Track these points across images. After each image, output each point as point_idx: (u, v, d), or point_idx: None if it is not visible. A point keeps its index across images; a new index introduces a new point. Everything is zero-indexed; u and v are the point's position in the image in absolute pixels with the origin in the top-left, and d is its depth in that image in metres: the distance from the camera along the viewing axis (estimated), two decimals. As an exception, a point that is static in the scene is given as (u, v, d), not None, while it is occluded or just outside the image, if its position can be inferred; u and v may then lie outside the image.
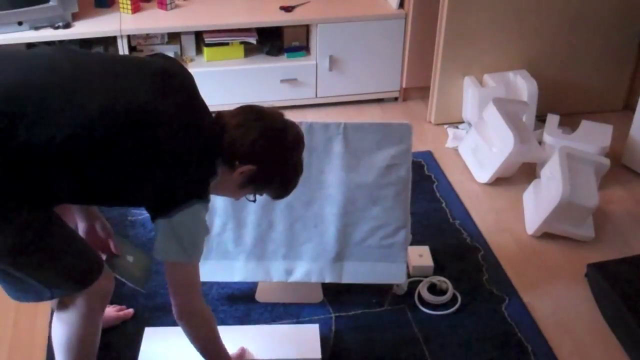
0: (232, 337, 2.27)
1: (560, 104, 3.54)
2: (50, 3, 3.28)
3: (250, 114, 1.79)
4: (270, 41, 3.63)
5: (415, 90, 3.80)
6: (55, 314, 1.87)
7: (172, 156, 1.67)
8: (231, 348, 2.22)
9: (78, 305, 1.81)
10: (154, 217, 1.73)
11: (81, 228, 2.08)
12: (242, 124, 1.76)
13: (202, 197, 1.74)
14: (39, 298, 1.75)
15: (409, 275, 2.53)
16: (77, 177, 1.63)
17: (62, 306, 1.84)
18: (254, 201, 1.92)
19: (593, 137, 3.14)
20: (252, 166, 1.76)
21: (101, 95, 1.62)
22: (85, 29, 3.34)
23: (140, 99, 1.65)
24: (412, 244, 2.50)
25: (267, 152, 1.76)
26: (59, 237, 1.72)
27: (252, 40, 3.56)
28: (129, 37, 3.39)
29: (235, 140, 1.74)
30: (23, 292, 1.74)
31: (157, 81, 1.72)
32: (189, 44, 3.58)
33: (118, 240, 2.14)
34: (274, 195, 1.90)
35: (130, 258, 2.13)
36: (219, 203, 2.35)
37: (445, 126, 3.59)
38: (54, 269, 1.72)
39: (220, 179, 1.79)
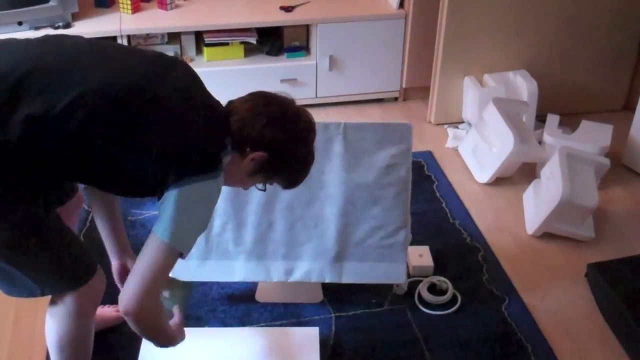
0: (231, 339, 2.27)
1: (560, 104, 3.54)
2: (50, 3, 3.28)
3: (260, 99, 1.76)
4: (270, 41, 3.63)
5: (415, 90, 3.79)
6: (47, 311, 1.87)
7: (177, 127, 1.63)
8: (230, 349, 2.22)
9: (67, 305, 1.80)
10: (161, 194, 1.65)
11: (114, 266, 2.06)
12: (252, 109, 1.73)
13: (213, 172, 1.66)
14: (29, 294, 1.74)
15: (409, 275, 2.53)
16: (78, 147, 1.59)
17: (53, 304, 1.83)
18: (264, 190, 1.86)
19: (593, 137, 3.14)
20: (263, 153, 1.72)
21: (102, 70, 1.62)
22: (85, 29, 3.34)
23: (142, 73, 1.64)
24: (412, 244, 2.50)
25: (278, 139, 1.72)
26: (54, 235, 1.71)
27: (252, 40, 3.56)
28: (129, 37, 3.40)
29: (245, 124, 1.71)
30: (14, 286, 1.73)
31: (159, 62, 1.71)
32: (189, 44, 3.58)
33: None
34: (284, 184, 1.86)
35: (165, 293, 2.09)
36: (219, 203, 2.35)
37: (445, 126, 3.59)
38: (46, 266, 1.71)
39: (230, 166, 1.74)
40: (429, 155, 3.35)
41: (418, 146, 3.31)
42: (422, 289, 2.52)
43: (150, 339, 1.77)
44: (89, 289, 1.79)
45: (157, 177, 1.65)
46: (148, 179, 1.67)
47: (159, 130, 1.62)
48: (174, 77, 1.69)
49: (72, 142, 1.59)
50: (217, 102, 1.77)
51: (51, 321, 1.86)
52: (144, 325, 1.70)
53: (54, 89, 1.56)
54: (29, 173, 1.60)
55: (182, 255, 1.68)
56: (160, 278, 1.66)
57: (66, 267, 1.75)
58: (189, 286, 2.07)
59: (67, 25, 3.32)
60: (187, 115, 1.66)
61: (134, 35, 3.44)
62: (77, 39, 1.74)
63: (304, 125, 1.78)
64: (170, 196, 1.63)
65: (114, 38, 3.37)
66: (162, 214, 1.64)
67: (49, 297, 1.83)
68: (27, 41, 1.70)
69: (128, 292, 1.63)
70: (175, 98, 1.65)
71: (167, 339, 1.81)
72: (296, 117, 1.77)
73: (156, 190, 1.69)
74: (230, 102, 1.78)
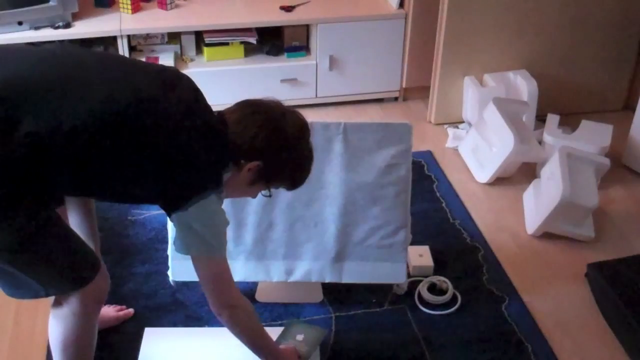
0: (231, 339, 2.27)
1: (560, 104, 3.54)
2: (50, 3, 3.28)
3: (247, 108, 1.78)
4: (270, 41, 3.63)
5: (415, 90, 3.79)
6: (51, 312, 1.87)
7: (179, 147, 1.66)
8: (230, 349, 2.22)
9: (72, 305, 1.80)
10: (169, 212, 1.72)
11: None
12: (240, 120, 1.75)
13: (216, 188, 1.72)
14: (33, 295, 1.74)
15: (409, 275, 2.53)
16: (83, 168, 1.61)
17: (57, 304, 1.83)
18: (270, 196, 1.89)
19: (593, 137, 3.14)
20: (257, 162, 1.74)
21: (105, 88, 1.62)
22: (85, 28, 3.34)
23: (144, 91, 1.66)
24: (412, 244, 2.50)
25: (269, 145, 1.74)
26: (58, 236, 1.71)
27: (252, 40, 3.56)
28: (129, 37, 3.39)
29: (236, 137, 1.73)
30: (18, 288, 1.73)
31: (161, 77, 1.72)
32: (189, 43, 3.58)
33: (289, 325, 2.22)
34: (287, 186, 1.88)
35: (299, 337, 2.17)
36: (219, 203, 2.35)
37: (445, 126, 3.59)
38: (50, 268, 1.71)
39: (230, 180, 1.77)
40: (429, 155, 3.35)
41: (418, 146, 3.31)
42: (422, 289, 2.52)
43: (253, 340, 1.93)
44: (93, 288, 1.79)
45: (161, 192, 1.70)
46: (152, 194, 1.72)
47: (163, 148, 1.64)
48: (177, 94, 1.70)
49: (75, 161, 1.60)
50: (216, 118, 1.78)
51: (55, 321, 1.85)
52: (240, 323, 1.88)
53: (58, 108, 1.56)
54: (31, 184, 1.60)
55: None
56: (224, 279, 1.83)
57: (70, 267, 1.75)
58: (323, 331, 2.21)
59: (67, 25, 3.32)
60: (190, 138, 1.67)
61: (134, 35, 3.44)
62: (82, 51, 1.75)
63: (292, 127, 1.78)
64: (181, 220, 1.70)
65: (114, 38, 3.37)
66: (180, 236, 1.74)
67: (50, 297, 1.83)
68: (32, 52, 1.69)
69: (211, 301, 1.83)
70: (179, 115, 1.66)
71: (269, 346, 1.97)
72: (283, 121, 1.77)
73: (159, 201, 1.73)
74: (220, 113, 1.79)
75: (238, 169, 1.76)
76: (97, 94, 1.60)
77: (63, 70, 1.64)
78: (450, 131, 3.53)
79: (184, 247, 1.75)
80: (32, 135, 1.53)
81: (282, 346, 2.10)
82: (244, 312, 1.88)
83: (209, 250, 1.75)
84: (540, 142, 3.21)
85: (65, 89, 1.59)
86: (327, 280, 2.41)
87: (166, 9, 3.53)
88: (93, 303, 1.84)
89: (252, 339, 1.94)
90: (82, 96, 1.59)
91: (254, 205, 2.36)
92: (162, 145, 1.64)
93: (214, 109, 1.81)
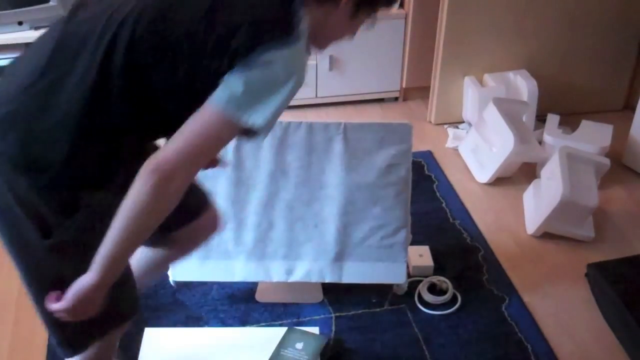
0: (231, 339, 2.27)
1: (560, 104, 3.54)
2: (50, 3, 3.28)
3: None
4: (271, 41, 3.62)
5: (415, 90, 3.80)
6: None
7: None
8: (230, 349, 2.23)
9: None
10: (225, 72, 1.38)
11: None
12: None
13: (288, 37, 1.42)
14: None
15: (409, 275, 2.53)
16: (133, 75, 1.42)
17: None
18: (373, 25, 1.65)
19: (593, 137, 3.14)
20: None
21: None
22: (85, 29, 3.34)
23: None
24: (412, 244, 2.51)
25: None
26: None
27: (252, 40, 3.55)
28: (129, 37, 3.39)
29: None
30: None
31: None
32: (189, 44, 3.57)
33: (288, 332, 2.21)
34: (386, 5, 1.64)
35: (299, 345, 2.17)
36: (219, 202, 2.35)
37: (445, 126, 3.59)
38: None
39: (329, 21, 1.60)
40: (429, 155, 3.35)
41: (418, 146, 3.31)
42: (422, 289, 2.52)
43: (142, 225, 1.40)
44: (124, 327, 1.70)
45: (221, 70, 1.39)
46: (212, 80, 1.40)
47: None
48: None
49: (125, 75, 1.41)
50: None
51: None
52: (160, 199, 1.37)
53: (90, 49, 1.41)
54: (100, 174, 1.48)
55: (254, 132, 1.40)
56: (207, 148, 1.40)
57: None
58: (323, 339, 2.20)
59: (67, 25, 3.32)
60: None
61: (134, 35, 3.44)
62: (76, 17, 1.55)
63: None
64: (237, 72, 1.36)
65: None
66: (222, 86, 1.37)
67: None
68: (53, 25, 1.55)
69: (160, 156, 1.36)
70: None
71: (138, 243, 1.47)
72: None
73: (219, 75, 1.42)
74: None
75: (333, 5, 1.55)
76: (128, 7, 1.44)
77: (83, 20, 1.49)
78: (450, 131, 3.53)
79: (216, 97, 1.36)
80: (75, 92, 1.41)
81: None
82: (175, 192, 1.38)
83: (239, 107, 1.36)
84: (540, 142, 3.21)
85: (89, 33, 1.44)
86: (327, 280, 2.41)
87: (166, 9, 3.52)
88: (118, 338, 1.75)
89: (145, 223, 1.39)
90: (99, 47, 1.42)
91: (254, 205, 2.36)
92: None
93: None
